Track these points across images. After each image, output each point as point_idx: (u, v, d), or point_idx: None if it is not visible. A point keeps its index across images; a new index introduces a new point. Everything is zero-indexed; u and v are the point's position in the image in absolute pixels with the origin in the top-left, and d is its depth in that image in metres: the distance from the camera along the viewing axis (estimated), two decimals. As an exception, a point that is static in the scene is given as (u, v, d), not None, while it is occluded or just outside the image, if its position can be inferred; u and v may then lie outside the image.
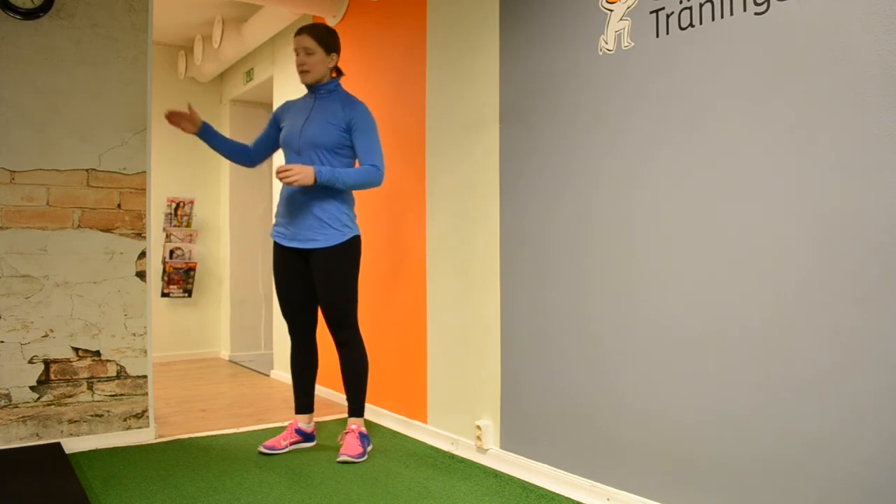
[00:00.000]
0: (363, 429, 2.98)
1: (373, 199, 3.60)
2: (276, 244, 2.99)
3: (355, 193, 3.07)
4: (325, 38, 2.91)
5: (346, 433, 2.95)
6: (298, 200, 2.89)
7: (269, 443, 2.96)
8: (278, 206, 3.01)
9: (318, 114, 2.92)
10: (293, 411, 3.14)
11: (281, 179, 2.73)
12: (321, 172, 2.77)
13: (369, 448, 2.97)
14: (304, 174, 2.73)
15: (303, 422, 3.05)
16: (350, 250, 2.91)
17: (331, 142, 2.87)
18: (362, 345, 2.99)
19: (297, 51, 2.91)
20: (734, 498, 1.92)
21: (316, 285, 2.94)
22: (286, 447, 2.98)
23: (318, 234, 2.87)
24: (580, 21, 2.39)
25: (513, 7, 2.69)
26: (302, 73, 2.92)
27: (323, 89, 2.95)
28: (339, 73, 3.03)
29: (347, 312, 2.94)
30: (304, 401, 3.08)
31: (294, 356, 3.08)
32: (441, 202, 3.12)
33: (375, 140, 2.90)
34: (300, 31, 2.92)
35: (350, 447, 2.86)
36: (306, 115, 2.94)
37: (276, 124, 3.07)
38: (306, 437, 3.05)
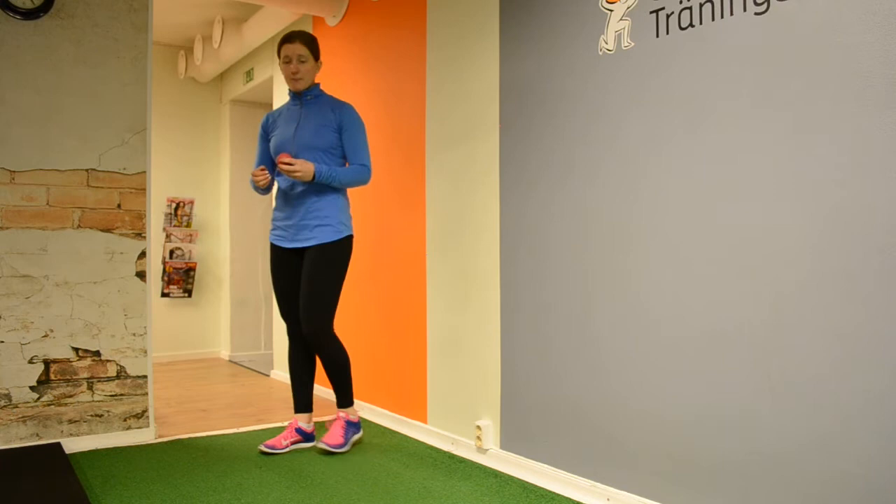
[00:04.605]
0: (351, 417, 3.03)
1: (373, 199, 3.60)
2: (273, 246, 3.04)
3: (351, 194, 3.12)
4: (314, 45, 3.00)
5: (333, 421, 3.03)
6: (297, 201, 2.93)
7: (269, 442, 2.97)
8: (275, 210, 3.05)
9: (308, 118, 2.99)
10: (293, 411, 3.15)
11: (283, 170, 2.80)
12: (320, 171, 2.84)
13: (356, 437, 3.03)
14: (305, 170, 2.81)
15: (303, 421, 3.06)
16: (341, 249, 2.96)
17: (325, 143, 2.94)
18: (337, 339, 2.98)
19: (289, 59, 2.95)
20: (734, 498, 1.92)
21: (301, 276, 2.95)
22: (287, 447, 2.99)
23: (316, 232, 2.92)
24: (580, 21, 2.39)
25: (513, 7, 2.69)
26: (295, 80, 2.97)
27: (310, 95, 3.02)
28: None
29: (326, 307, 2.92)
30: (303, 400, 3.09)
31: (292, 356, 3.10)
32: (441, 202, 3.12)
33: (364, 140, 2.99)
34: (291, 39, 2.95)
35: (331, 436, 2.94)
36: (297, 120, 3.00)
37: (267, 137, 3.10)
38: (306, 436, 3.06)
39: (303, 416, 3.07)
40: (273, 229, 3.05)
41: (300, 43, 2.94)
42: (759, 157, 1.86)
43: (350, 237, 2.98)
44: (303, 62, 2.94)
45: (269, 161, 3.08)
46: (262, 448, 2.94)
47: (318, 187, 2.90)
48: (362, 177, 2.96)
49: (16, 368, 2.89)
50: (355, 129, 2.96)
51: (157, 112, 5.43)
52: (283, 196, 2.98)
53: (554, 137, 2.50)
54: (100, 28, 3.07)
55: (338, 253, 2.94)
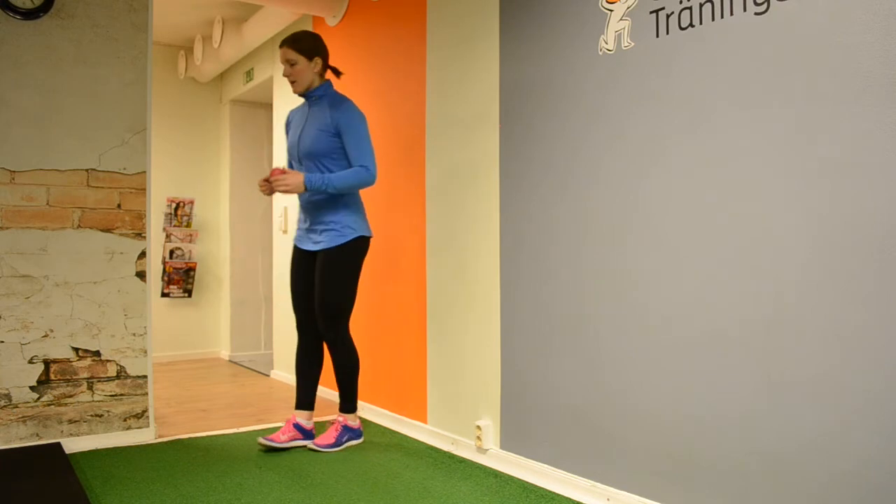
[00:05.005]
0: (350, 423, 3.05)
1: (373, 199, 3.60)
2: (294, 245, 3.14)
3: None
4: (303, 45, 2.96)
5: (331, 424, 3.06)
6: (308, 205, 3.02)
7: (270, 436, 3.01)
8: (299, 211, 3.15)
9: (310, 122, 3.01)
10: (293, 410, 3.16)
11: (274, 186, 2.88)
12: (311, 180, 2.86)
13: (353, 442, 3.06)
14: (294, 183, 2.85)
15: (302, 417, 3.08)
16: (349, 252, 2.96)
17: (324, 149, 2.94)
18: (350, 345, 3.05)
19: (282, 64, 3.00)
20: (734, 498, 1.92)
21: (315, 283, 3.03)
22: (285, 442, 2.99)
23: (323, 237, 2.97)
24: (580, 21, 2.39)
25: (513, 7, 2.69)
26: (291, 83, 3.01)
27: (313, 96, 3.03)
28: (337, 73, 3.13)
29: (336, 312, 2.98)
30: (305, 397, 3.11)
31: (299, 352, 3.13)
32: (441, 202, 3.12)
33: (363, 139, 2.93)
34: (281, 45, 3.00)
35: (323, 437, 2.99)
36: (302, 124, 3.04)
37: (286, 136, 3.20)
38: (306, 434, 3.07)
39: (303, 412, 3.08)
40: (297, 229, 3.15)
41: (286, 47, 2.96)
42: (758, 157, 1.86)
43: (358, 238, 2.97)
44: (293, 65, 2.96)
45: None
46: (261, 441, 2.97)
47: (325, 192, 2.92)
48: (360, 179, 2.90)
49: (16, 368, 2.89)
50: (353, 130, 2.91)
51: (157, 112, 5.43)
52: (301, 201, 3.07)
53: (554, 137, 2.50)
54: (100, 28, 3.07)
55: (342, 256, 2.95)
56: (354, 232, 2.96)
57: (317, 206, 2.98)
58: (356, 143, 2.91)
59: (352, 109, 2.95)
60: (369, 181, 2.93)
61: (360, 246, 2.98)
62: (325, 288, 2.95)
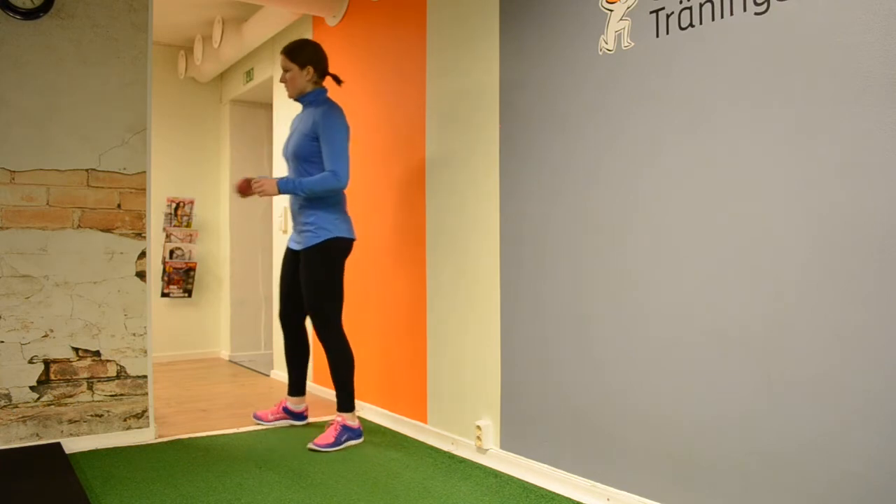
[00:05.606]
0: (348, 422, 3.07)
1: (373, 199, 3.60)
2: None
3: (350, 195, 3.29)
4: (295, 54, 3.10)
5: (330, 424, 3.09)
6: (294, 208, 3.17)
7: (259, 413, 3.36)
8: None
9: (299, 127, 3.13)
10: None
11: (252, 187, 3.07)
12: (283, 184, 3.01)
13: (353, 442, 3.07)
14: (269, 187, 3.04)
15: (290, 402, 3.33)
16: (323, 253, 3.04)
17: (305, 153, 3.05)
18: (342, 344, 3.10)
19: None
20: (734, 498, 1.92)
21: None
22: (272, 421, 3.31)
23: (303, 237, 3.10)
24: (580, 21, 2.39)
25: (513, 7, 2.69)
26: (287, 90, 3.16)
27: (304, 101, 3.15)
28: (338, 81, 3.21)
29: (321, 312, 3.06)
30: (292, 384, 3.35)
31: (284, 343, 3.35)
32: (441, 203, 3.12)
33: (337, 144, 3.00)
34: (281, 53, 3.15)
35: (323, 437, 3.03)
36: (293, 129, 3.19)
37: None
38: (293, 415, 3.32)
39: (291, 398, 3.33)
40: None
41: (282, 55, 3.12)
42: (758, 158, 1.86)
43: (333, 240, 3.04)
44: (287, 72, 3.11)
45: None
46: (254, 415, 3.32)
47: (305, 197, 3.04)
48: (328, 184, 2.96)
49: (16, 368, 2.89)
50: (328, 135, 2.99)
51: (157, 112, 5.43)
52: (289, 202, 3.22)
53: (554, 137, 2.50)
54: (100, 28, 3.07)
55: (317, 257, 3.04)
56: (329, 233, 3.03)
57: (299, 208, 3.11)
58: (329, 149, 2.99)
59: (332, 116, 3.02)
60: (336, 186, 2.98)
61: (334, 247, 3.04)
62: (306, 288, 3.07)
